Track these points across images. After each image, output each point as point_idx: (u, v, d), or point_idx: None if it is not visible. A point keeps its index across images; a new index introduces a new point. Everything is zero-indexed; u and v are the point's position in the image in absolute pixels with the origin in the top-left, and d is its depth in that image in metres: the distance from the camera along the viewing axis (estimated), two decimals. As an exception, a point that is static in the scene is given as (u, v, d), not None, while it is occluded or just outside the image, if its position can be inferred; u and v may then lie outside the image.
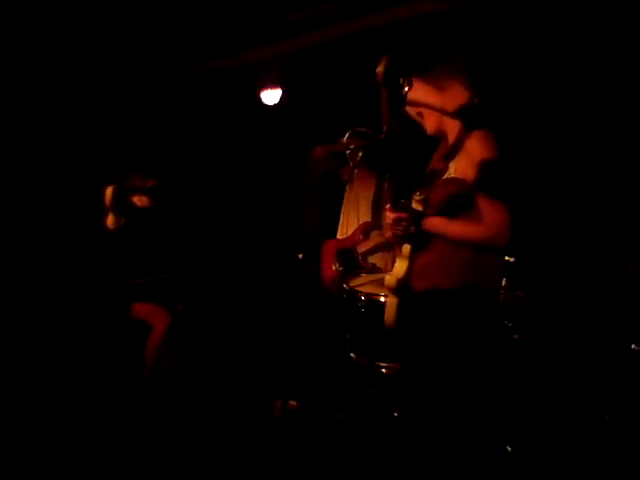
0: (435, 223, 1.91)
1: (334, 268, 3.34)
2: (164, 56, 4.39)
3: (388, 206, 2.00)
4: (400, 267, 1.98)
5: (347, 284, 2.96)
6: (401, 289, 1.97)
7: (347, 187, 3.50)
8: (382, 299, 2.72)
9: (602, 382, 2.15)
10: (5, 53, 3.78)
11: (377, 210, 3.40)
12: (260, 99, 4.60)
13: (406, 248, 2.02)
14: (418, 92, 1.92)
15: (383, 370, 2.70)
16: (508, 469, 2.17)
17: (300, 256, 2.98)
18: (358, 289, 2.85)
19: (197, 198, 4.66)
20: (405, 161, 2.02)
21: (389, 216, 1.98)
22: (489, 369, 1.96)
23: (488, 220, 1.82)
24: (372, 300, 2.75)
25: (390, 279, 1.97)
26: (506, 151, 1.85)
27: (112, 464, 2.60)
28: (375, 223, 3.40)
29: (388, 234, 3.26)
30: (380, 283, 3.01)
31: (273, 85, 4.54)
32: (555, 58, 3.07)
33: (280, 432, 2.80)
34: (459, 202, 1.87)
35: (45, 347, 3.67)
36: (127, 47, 4.14)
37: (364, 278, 3.09)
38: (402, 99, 1.84)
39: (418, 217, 1.92)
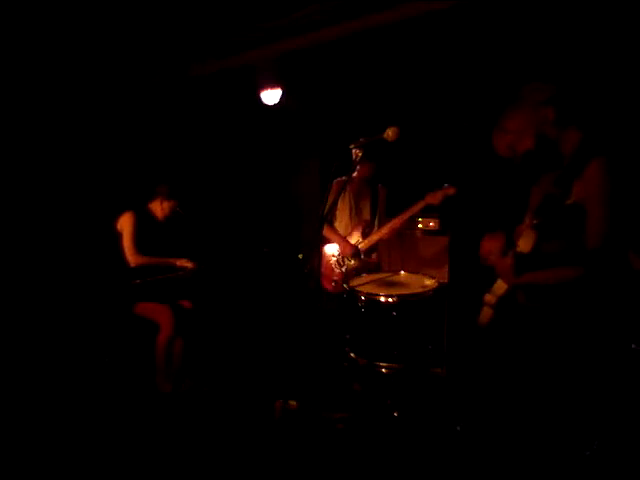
0: (533, 279, 1.91)
1: (338, 270, 3.36)
2: (164, 57, 4.38)
3: (487, 237, 2.00)
4: (500, 286, 2.03)
5: (347, 284, 2.96)
6: (499, 305, 2.04)
7: (346, 188, 3.51)
8: (382, 299, 2.73)
9: (602, 382, 2.15)
10: (8, 56, 3.78)
11: (374, 213, 3.48)
12: (260, 99, 4.60)
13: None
14: (515, 120, 1.91)
15: (383, 370, 2.71)
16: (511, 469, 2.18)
17: (300, 256, 2.98)
18: (358, 289, 2.85)
19: (198, 198, 4.66)
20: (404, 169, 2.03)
21: (485, 246, 1.99)
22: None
23: (591, 244, 1.80)
24: (372, 300, 2.76)
25: (491, 298, 2.03)
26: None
27: (114, 462, 2.61)
28: (371, 225, 3.47)
29: (382, 234, 3.34)
30: (380, 283, 3.04)
31: (273, 85, 4.53)
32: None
33: (280, 432, 2.80)
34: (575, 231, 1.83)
35: (51, 346, 3.67)
36: (127, 49, 4.14)
37: (364, 278, 3.09)
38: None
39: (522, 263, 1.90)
